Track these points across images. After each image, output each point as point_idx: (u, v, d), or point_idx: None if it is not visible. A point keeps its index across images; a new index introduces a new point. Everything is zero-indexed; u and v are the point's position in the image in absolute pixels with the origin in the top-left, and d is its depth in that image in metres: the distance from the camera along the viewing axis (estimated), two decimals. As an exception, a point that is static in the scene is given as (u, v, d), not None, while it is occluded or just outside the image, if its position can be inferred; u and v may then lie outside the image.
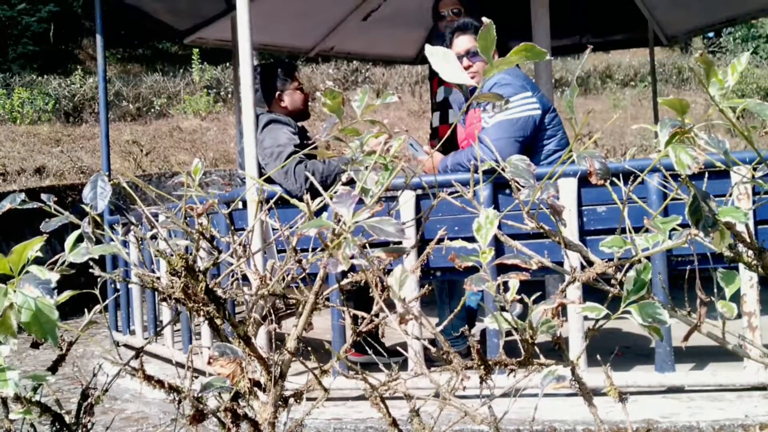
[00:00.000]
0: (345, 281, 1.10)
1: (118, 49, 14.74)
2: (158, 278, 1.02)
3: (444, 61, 0.82)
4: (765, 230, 2.44)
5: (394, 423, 1.03)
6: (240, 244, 1.14)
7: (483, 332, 2.94)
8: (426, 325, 0.95)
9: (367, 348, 1.36)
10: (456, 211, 2.58)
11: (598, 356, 1.24)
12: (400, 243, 2.18)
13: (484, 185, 2.56)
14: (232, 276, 1.15)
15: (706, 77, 0.76)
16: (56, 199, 1.02)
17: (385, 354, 1.27)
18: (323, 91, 0.98)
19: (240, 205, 2.92)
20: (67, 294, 0.94)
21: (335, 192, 0.97)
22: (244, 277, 1.20)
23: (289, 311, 4.89)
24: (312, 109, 3.72)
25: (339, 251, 0.82)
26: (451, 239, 1.02)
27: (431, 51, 0.82)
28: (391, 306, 1.00)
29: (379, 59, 8.23)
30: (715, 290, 0.97)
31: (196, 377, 1.02)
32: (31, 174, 8.54)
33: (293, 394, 1.06)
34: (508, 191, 2.61)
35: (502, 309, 0.86)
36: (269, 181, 2.94)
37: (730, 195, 2.10)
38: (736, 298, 1.45)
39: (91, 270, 1.03)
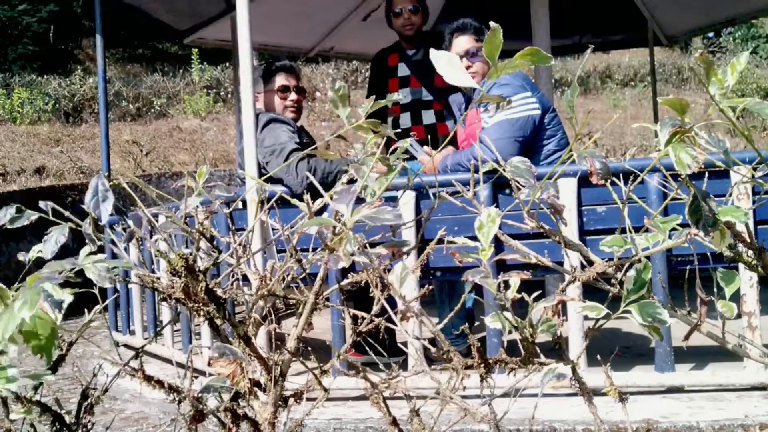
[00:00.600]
0: (345, 281, 1.10)
1: (118, 49, 14.73)
2: (158, 278, 1.02)
3: (448, 65, 0.82)
4: (765, 230, 2.45)
5: (395, 422, 1.03)
6: (240, 244, 1.14)
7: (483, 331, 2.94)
8: (426, 324, 0.95)
9: (367, 348, 1.36)
10: (456, 211, 2.58)
11: (598, 356, 1.24)
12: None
13: (485, 185, 2.57)
14: (232, 276, 1.15)
15: (707, 77, 0.76)
16: (53, 206, 1.01)
17: (387, 350, 1.27)
18: (323, 90, 0.98)
19: (240, 205, 2.93)
20: (67, 299, 0.94)
21: (336, 192, 0.97)
22: (244, 277, 1.20)
23: (289, 311, 4.90)
24: (312, 109, 3.72)
25: (340, 247, 0.82)
26: (451, 239, 1.02)
27: (436, 56, 0.82)
28: (392, 306, 1.00)
29: (379, 59, 8.21)
30: (715, 290, 0.97)
31: (196, 377, 1.02)
32: (31, 174, 8.54)
33: (293, 394, 1.06)
34: (508, 191, 2.62)
35: (503, 308, 0.86)
36: (269, 180, 2.95)
37: (730, 195, 2.10)
38: (736, 298, 1.45)
39: (91, 270, 1.03)
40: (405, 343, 2.51)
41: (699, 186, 0.84)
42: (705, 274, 0.99)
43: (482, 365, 0.92)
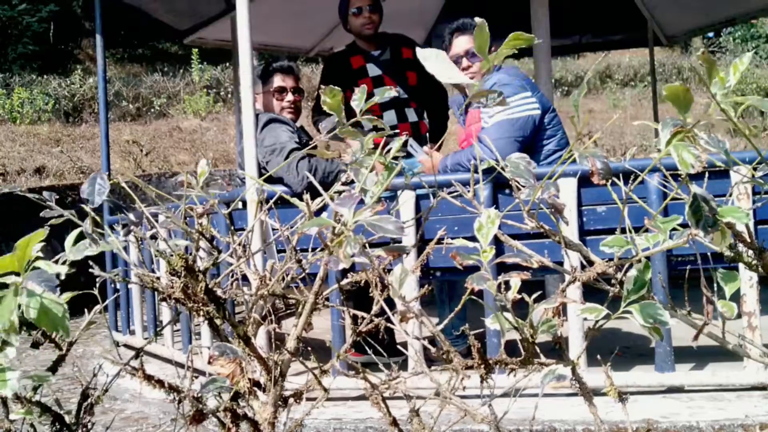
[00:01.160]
0: (345, 281, 1.10)
1: (117, 49, 14.73)
2: (158, 278, 1.02)
3: (438, 62, 0.82)
4: (765, 230, 2.45)
5: (395, 422, 1.03)
6: (240, 244, 1.14)
7: (482, 332, 2.94)
8: (426, 325, 0.95)
9: (366, 348, 1.36)
10: (456, 211, 2.58)
11: (598, 356, 1.24)
12: (400, 242, 2.18)
13: (484, 185, 2.56)
14: (232, 276, 1.15)
15: (708, 76, 0.76)
16: (57, 197, 1.02)
17: (386, 350, 1.27)
18: (324, 90, 0.98)
19: (240, 205, 2.93)
20: (67, 295, 0.94)
21: (336, 192, 0.97)
22: (244, 277, 1.19)
23: (289, 311, 4.89)
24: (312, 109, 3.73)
25: (340, 249, 0.82)
26: (451, 239, 1.02)
27: (424, 55, 0.82)
28: (391, 306, 1.00)
29: (378, 59, 8.21)
30: (715, 290, 0.97)
31: (196, 377, 1.02)
32: (31, 174, 8.54)
33: (293, 394, 1.06)
34: (508, 191, 2.62)
35: (503, 308, 0.86)
36: (269, 180, 2.95)
37: (730, 195, 2.10)
38: (736, 298, 1.45)
39: (90, 270, 1.03)
40: (405, 344, 2.51)
41: (699, 186, 0.84)
42: (705, 274, 0.99)
43: (482, 365, 0.92)
